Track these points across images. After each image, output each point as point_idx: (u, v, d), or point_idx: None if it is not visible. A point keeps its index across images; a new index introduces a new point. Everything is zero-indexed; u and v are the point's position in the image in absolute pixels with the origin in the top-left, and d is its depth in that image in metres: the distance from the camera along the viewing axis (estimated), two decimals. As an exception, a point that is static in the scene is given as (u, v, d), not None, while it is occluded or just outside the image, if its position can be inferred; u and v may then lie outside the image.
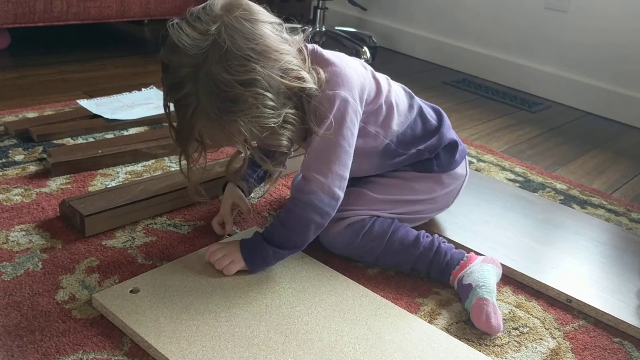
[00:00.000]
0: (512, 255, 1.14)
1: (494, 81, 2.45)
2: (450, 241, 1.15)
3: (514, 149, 1.80)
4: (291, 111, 0.94)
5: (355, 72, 1.02)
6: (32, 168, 1.30)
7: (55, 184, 1.25)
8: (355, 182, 1.11)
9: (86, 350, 0.82)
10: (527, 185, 1.51)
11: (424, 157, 1.13)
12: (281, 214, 0.99)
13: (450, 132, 1.17)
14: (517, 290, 1.08)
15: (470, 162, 1.60)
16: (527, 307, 1.03)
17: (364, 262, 1.09)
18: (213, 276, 0.97)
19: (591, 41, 2.18)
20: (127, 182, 1.27)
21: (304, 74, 0.94)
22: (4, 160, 1.31)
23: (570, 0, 2.20)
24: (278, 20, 0.95)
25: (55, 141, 1.43)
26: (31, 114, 1.56)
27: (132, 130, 1.54)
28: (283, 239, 0.98)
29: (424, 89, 2.23)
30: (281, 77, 0.91)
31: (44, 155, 1.34)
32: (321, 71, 0.98)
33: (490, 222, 1.25)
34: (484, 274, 1.00)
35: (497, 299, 1.01)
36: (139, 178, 1.29)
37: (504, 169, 1.59)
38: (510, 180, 1.53)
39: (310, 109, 0.97)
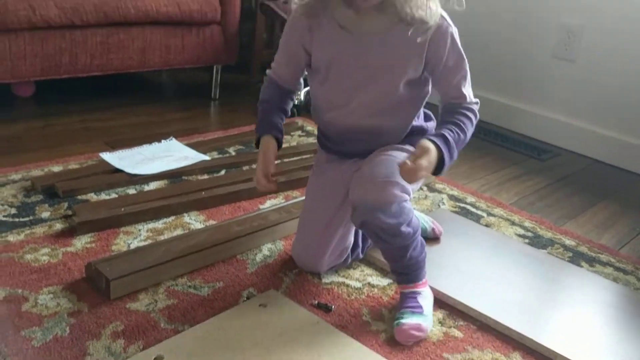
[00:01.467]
0: (521, 318, 1.17)
1: (504, 127, 2.49)
2: (461, 304, 1.19)
3: (523, 200, 1.84)
4: None
5: None
6: (58, 226, 1.35)
7: (81, 242, 1.30)
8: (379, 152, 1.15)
9: (113, 420, 0.86)
10: (537, 241, 1.54)
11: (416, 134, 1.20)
12: (454, 127, 1.06)
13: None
14: (526, 356, 1.10)
15: (480, 217, 1.64)
16: (537, 374, 1.06)
17: (384, 241, 1.10)
18: (232, 343, 1.01)
19: (599, 90, 2.22)
20: (149, 240, 1.32)
21: None
22: (31, 218, 1.37)
23: (579, 52, 2.25)
24: None
25: (79, 197, 1.49)
26: (56, 168, 1.63)
27: (153, 184, 1.59)
28: (460, 144, 1.06)
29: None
30: None
31: (69, 212, 1.40)
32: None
33: (501, 284, 1.29)
34: (431, 308, 1.15)
35: (507, 366, 1.05)
36: (161, 236, 1.34)
37: (513, 223, 1.63)
38: (519, 235, 1.56)
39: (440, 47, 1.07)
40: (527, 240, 1.54)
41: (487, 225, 1.59)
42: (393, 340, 1.10)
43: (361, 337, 1.09)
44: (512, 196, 1.86)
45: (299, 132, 2.12)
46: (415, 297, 1.14)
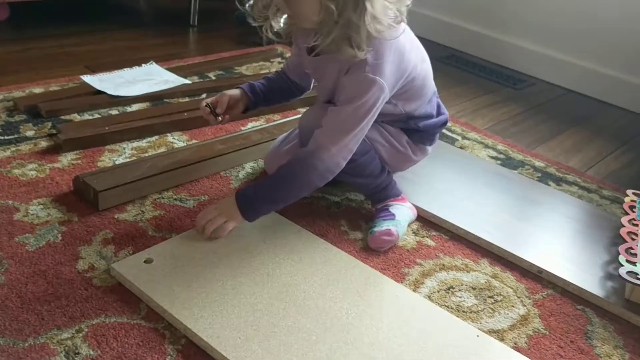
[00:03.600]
0: (490, 229, 1.25)
1: (481, 57, 2.53)
2: (434, 217, 1.26)
3: (497, 126, 1.90)
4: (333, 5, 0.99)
5: (401, 63, 1.10)
6: (43, 144, 1.38)
7: (67, 159, 1.33)
8: None
9: (108, 315, 0.92)
10: (508, 162, 1.61)
11: (412, 127, 1.24)
12: (282, 169, 1.09)
13: (443, 117, 1.30)
14: (493, 262, 1.19)
15: (455, 140, 1.70)
16: (502, 277, 1.14)
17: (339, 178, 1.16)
18: (219, 248, 1.07)
19: (574, 19, 2.25)
20: (134, 158, 1.35)
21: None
22: (16, 136, 1.39)
23: (557, -19, 2.27)
24: None
25: (62, 117, 1.50)
26: (37, 90, 1.63)
27: (135, 106, 1.61)
28: (279, 193, 1.09)
29: (413, 65, 2.31)
30: None
31: (54, 131, 1.42)
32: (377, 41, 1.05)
33: (472, 199, 1.36)
34: (406, 217, 1.22)
35: (474, 270, 1.14)
36: (145, 154, 1.38)
37: (487, 146, 1.69)
38: (492, 157, 1.63)
39: (348, 78, 1.08)
40: (499, 162, 1.60)
41: (461, 148, 1.65)
42: (369, 248, 1.17)
43: (340, 244, 1.15)
44: (486, 122, 1.92)
45: (279, 59, 2.13)
46: (387, 209, 1.21)
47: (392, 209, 1.21)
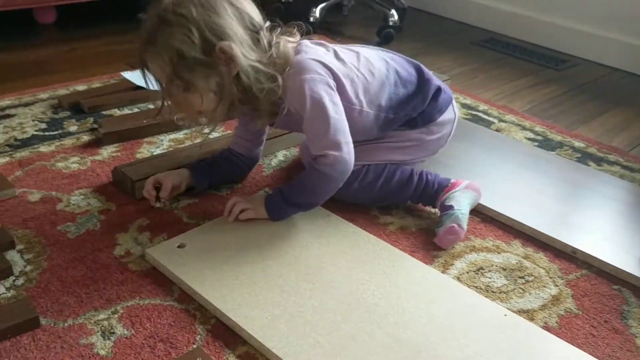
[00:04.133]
0: (523, 210, 1.23)
1: (521, 39, 2.47)
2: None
3: (537, 108, 1.85)
4: (219, 67, 1.01)
5: (317, 58, 1.10)
6: (85, 138, 1.44)
7: (107, 152, 1.38)
8: None
9: (142, 297, 0.96)
10: (546, 144, 1.57)
11: (411, 117, 1.22)
12: (302, 177, 1.11)
13: (430, 86, 1.23)
14: (526, 243, 1.17)
15: (491, 123, 1.67)
16: (534, 258, 1.13)
17: (366, 204, 1.22)
18: (249, 233, 1.10)
19: (620, -3, 2.18)
20: (170, 149, 1.39)
21: (235, 48, 1.00)
22: (60, 131, 1.46)
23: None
24: (250, 15, 1.04)
25: (104, 112, 1.56)
26: (80, 87, 1.70)
27: (173, 100, 1.66)
28: (303, 199, 1.11)
29: (452, 50, 2.28)
30: (213, 35, 0.99)
31: (95, 126, 1.48)
32: (282, 67, 1.07)
33: (506, 181, 1.34)
34: (465, 202, 1.17)
35: (506, 251, 1.13)
36: (182, 145, 1.42)
37: (524, 128, 1.66)
38: (529, 139, 1.59)
39: (287, 99, 1.08)
40: (536, 144, 1.57)
41: (497, 131, 1.62)
42: (400, 230, 1.17)
43: (369, 228, 1.16)
44: (525, 104, 1.88)
45: (315, 49, 2.14)
46: (444, 203, 1.17)
47: (449, 201, 1.17)
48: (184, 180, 1.20)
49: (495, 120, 1.69)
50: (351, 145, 1.09)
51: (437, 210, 1.21)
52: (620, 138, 1.69)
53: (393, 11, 2.34)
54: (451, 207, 1.15)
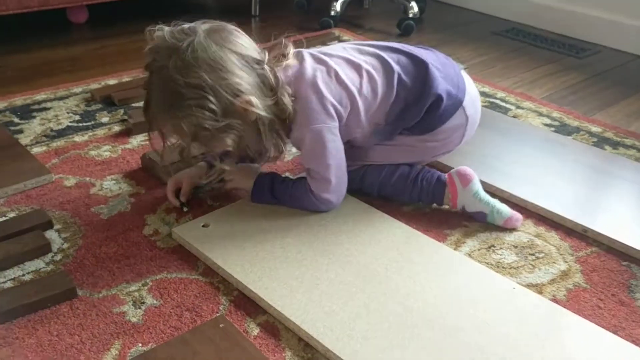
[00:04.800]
0: (536, 191, 1.26)
1: (543, 28, 2.48)
2: (483, 183, 1.25)
3: (555, 94, 1.87)
4: (238, 121, 1.04)
5: (324, 95, 1.10)
6: (116, 128, 1.52)
7: (136, 141, 1.46)
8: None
9: (169, 272, 1.03)
10: (562, 129, 1.60)
11: (408, 126, 1.20)
12: (295, 185, 1.16)
13: (428, 96, 1.16)
14: (538, 222, 1.20)
15: (508, 110, 1.70)
16: (546, 236, 1.16)
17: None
18: (269, 214, 1.16)
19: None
20: (196, 137, 1.46)
21: (254, 100, 1.03)
22: (93, 123, 1.54)
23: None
24: (251, 54, 1.05)
25: (133, 104, 1.64)
26: (112, 81, 1.78)
27: (199, 92, 1.73)
28: (285, 200, 1.17)
29: (472, 40, 2.31)
30: (230, 95, 1.01)
31: (125, 117, 1.56)
32: (290, 100, 1.08)
33: (519, 163, 1.37)
34: (484, 197, 1.17)
35: (518, 230, 1.17)
36: (206, 134, 1.48)
37: (541, 114, 1.68)
38: (545, 125, 1.62)
39: (293, 137, 1.13)
40: (552, 129, 1.60)
41: (514, 117, 1.65)
42: (414, 210, 1.22)
43: (384, 208, 1.20)
44: (544, 91, 1.90)
45: (335, 42, 2.19)
46: (465, 209, 1.18)
47: (471, 208, 1.18)
48: (203, 175, 1.23)
49: (513, 107, 1.72)
50: (346, 177, 1.15)
51: (442, 206, 1.22)
52: (638, 123, 1.70)
53: (413, 3, 2.38)
54: (482, 213, 1.17)
